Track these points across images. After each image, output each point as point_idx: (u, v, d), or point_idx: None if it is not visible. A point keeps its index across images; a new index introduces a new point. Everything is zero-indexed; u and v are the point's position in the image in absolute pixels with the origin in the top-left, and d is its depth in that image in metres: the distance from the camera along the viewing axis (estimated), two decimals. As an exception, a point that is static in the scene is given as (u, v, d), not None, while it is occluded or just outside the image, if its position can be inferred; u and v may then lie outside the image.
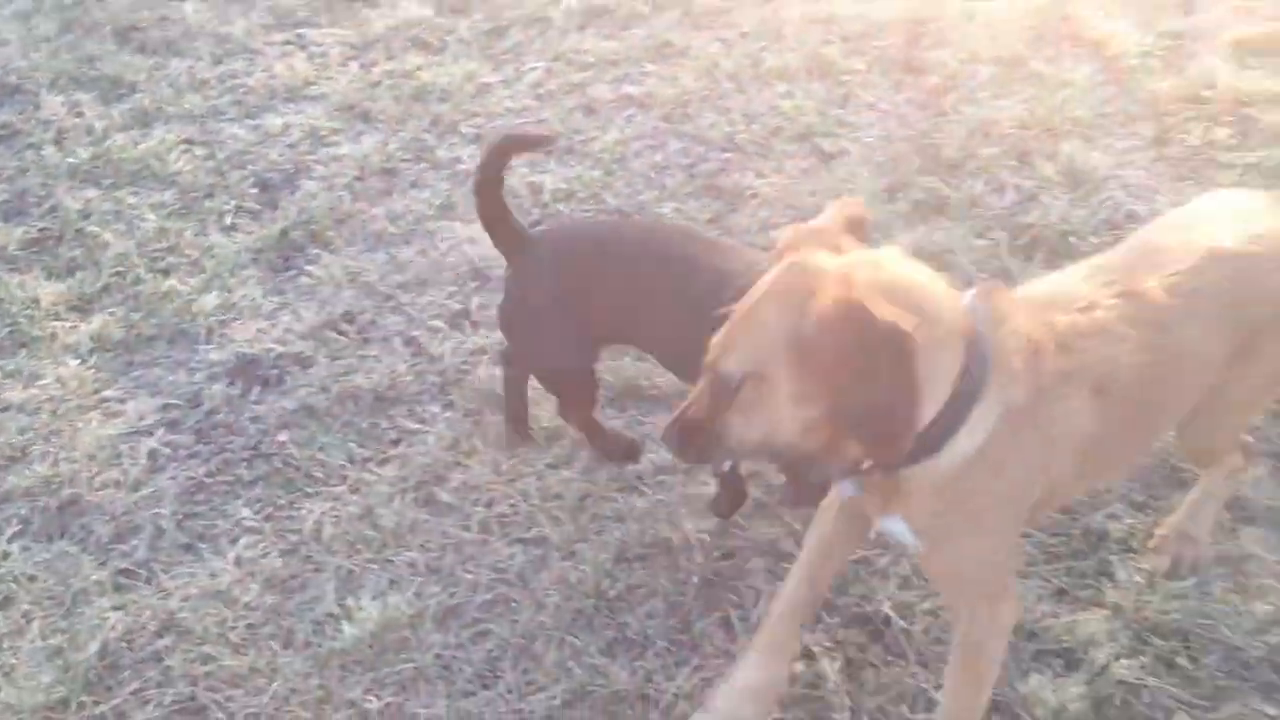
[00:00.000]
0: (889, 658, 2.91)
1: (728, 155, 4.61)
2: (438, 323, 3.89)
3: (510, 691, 2.87)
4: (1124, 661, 2.90)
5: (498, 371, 3.66)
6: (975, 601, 2.44)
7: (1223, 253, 2.45)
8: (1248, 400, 2.79)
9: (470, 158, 4.61)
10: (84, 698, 2.83)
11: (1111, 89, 4.88)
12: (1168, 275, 2.38)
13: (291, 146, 4.69)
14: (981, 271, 3.99)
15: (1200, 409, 2.63)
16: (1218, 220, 2.57)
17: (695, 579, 3.09)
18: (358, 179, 4.53)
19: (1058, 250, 4.05)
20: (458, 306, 3.95)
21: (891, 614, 2.99)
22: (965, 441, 2.14)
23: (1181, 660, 2.91)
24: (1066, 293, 2.35)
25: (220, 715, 2.82)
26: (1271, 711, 2.81)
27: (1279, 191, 2.79)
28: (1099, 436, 2.31)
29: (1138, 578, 3.08)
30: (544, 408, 3.54)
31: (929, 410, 2.08)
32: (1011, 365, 2.15)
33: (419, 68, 5.10)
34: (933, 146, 4.59)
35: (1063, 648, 2.93)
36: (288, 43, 5.31)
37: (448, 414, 3.58)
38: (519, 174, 4.50)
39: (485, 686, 2.89)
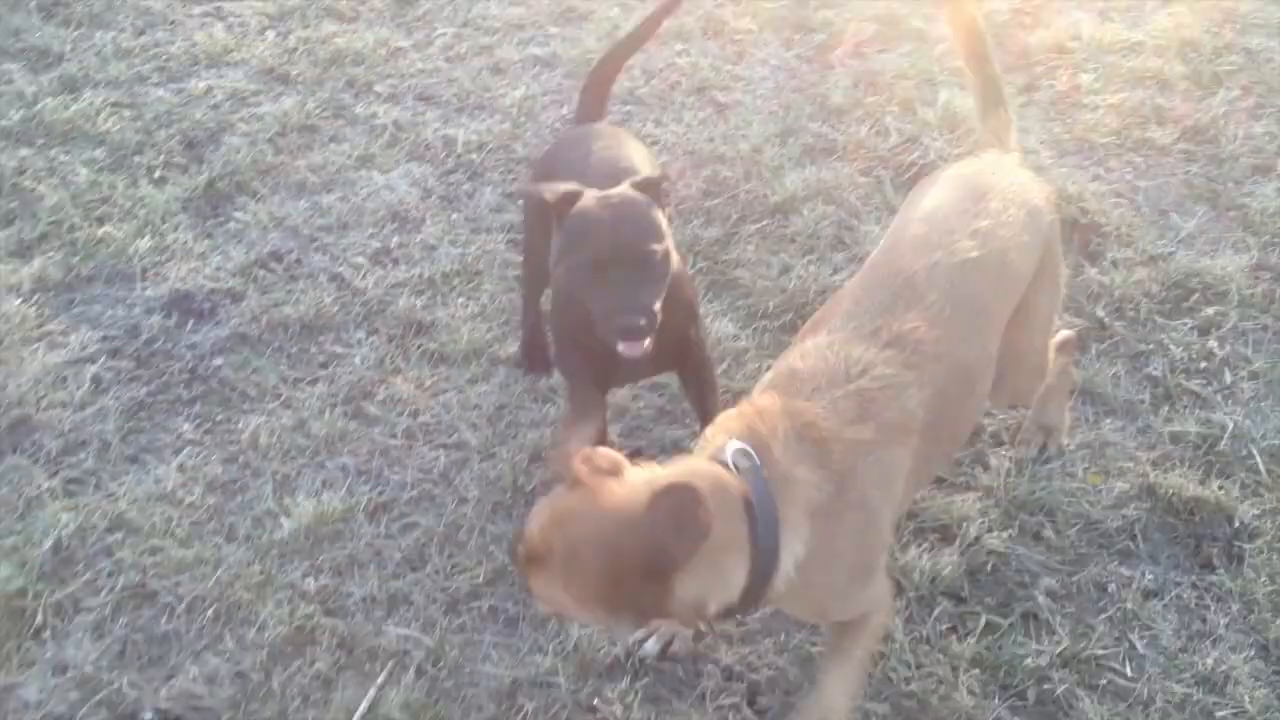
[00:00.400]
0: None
1: (630, 108, 4.86)
2: (360, 260, 4.12)
3: (437, 573, 3.13)
4: (994, 534, 3.22)
5: (418, 302, 3.92)
6: (847, 620, 2.58)
7: (967, 261, 2.57)
8: (1040, 344, 3.02)
9: (385, 114, 4.84)
10: (40, 587, 3.05)
11: (986, 42, 5.21)
12: (925, 306, 2.48)
13: (215, 107, 4.88)
14: (866, 206, 4.30)
15: (1003, 372, 2.75)
16: (950, 221, 2.67)
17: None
18: (280, 135, 4.73)
19: (937, 186, 4.37)
20: (378, 245, 4.19)
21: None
22: (786, 568, 2.20)
23: (1047, 532, 3.25)
24: (844, 360, 2.39)
25: (169, 599, 3.05)
26: (1127, 572, 3.14)
27: (989, 155, 2.99)
28: (921, 457, 2.46)
29: (1008, 464, 3.40)
30: (461, 332, 3.80)
31: (738, 580, 2.13)
32: (797, 509, 2.20)
33: (334, 34, 5.30)
34: (821, 96, 4.89)
35: (939, 524, 3.24)
36: (206, 15, 5.48)
37: (372, 339, 3.82)
38: (433, 129, 4.75)
39: (414, 569, 3.14)
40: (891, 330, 2.43)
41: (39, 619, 2.99)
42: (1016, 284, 2.70)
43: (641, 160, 3.27)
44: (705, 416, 3.19)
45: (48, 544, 3.15)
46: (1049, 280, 2.89)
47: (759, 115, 4.80)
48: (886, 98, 4.88)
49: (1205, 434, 3.49)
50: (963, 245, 2.59)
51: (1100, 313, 3.87)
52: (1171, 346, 3.77)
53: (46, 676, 2.87)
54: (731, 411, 2.38)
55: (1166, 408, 3.58)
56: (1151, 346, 3.77)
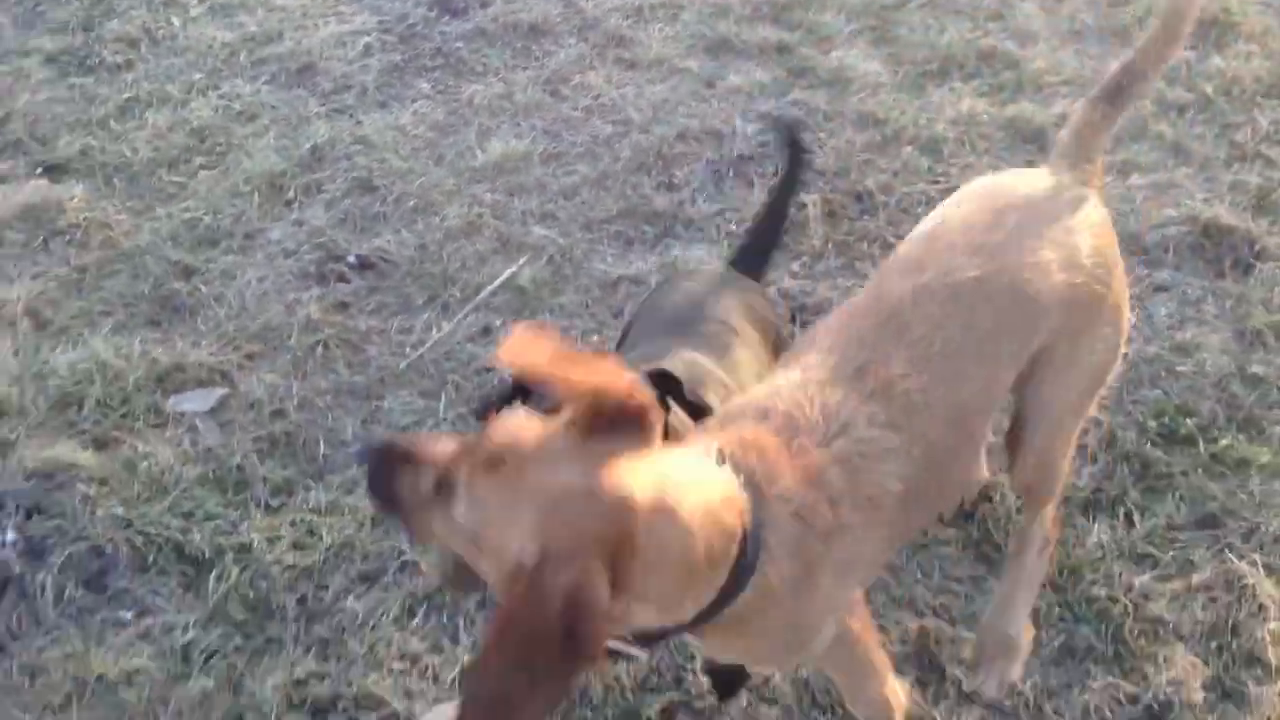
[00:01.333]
0: (864, 214, 3.69)
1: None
2: (589, -12, 4.78)
3: (583, 204, 3.78)
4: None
5: (625, 22, 4.54)
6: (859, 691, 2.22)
7: (963, 282, 2.04)
8: (1076, 405, 2.33)
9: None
10: (295, 171, 3.90)
11: None
12: (911, 343, 1.98)
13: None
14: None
15: (1022, 436, 2.31)
16: (951, 235, 2.13)
17: (736, 155, 3.93)
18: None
19: None
20: (603, -17, 4.83)
21: (874, 189, 3.76)
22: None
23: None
24: (820, 410, 1.88)
25: (384, 193, 3.83)
26: (1146, 271, 3.41)
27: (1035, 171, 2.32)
28: (896, 528, 2.00)
29: None
30: (653, 47, 4.40)
31: (707, 593, 1.69)
32: (780, 560, 1.76)
33: None
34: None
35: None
36: None
37: (580, 45, 4.46)
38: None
39: (566, 199, 3.80)
40: (877, 377, 1.94)
41: (290, 194, 3.84)
42: (1035, 317, 2.12)
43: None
44: None
45: (307, 146, 3.99)
46: (1099, 331, 2.22)
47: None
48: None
49: (1264, 185, 3.69)
50: (959, 263, 2.06)
51: (1207, 88, 4.09)
52: (1262, 120, 3.94)
53: (287, 226, 3.72)
54: (717, 433, 1.87)
55: (1238, 165, 3.79)
56: (1244, 119, 3.97)
